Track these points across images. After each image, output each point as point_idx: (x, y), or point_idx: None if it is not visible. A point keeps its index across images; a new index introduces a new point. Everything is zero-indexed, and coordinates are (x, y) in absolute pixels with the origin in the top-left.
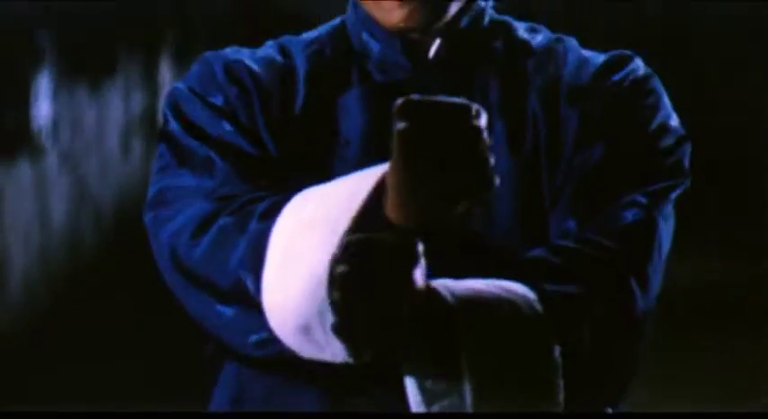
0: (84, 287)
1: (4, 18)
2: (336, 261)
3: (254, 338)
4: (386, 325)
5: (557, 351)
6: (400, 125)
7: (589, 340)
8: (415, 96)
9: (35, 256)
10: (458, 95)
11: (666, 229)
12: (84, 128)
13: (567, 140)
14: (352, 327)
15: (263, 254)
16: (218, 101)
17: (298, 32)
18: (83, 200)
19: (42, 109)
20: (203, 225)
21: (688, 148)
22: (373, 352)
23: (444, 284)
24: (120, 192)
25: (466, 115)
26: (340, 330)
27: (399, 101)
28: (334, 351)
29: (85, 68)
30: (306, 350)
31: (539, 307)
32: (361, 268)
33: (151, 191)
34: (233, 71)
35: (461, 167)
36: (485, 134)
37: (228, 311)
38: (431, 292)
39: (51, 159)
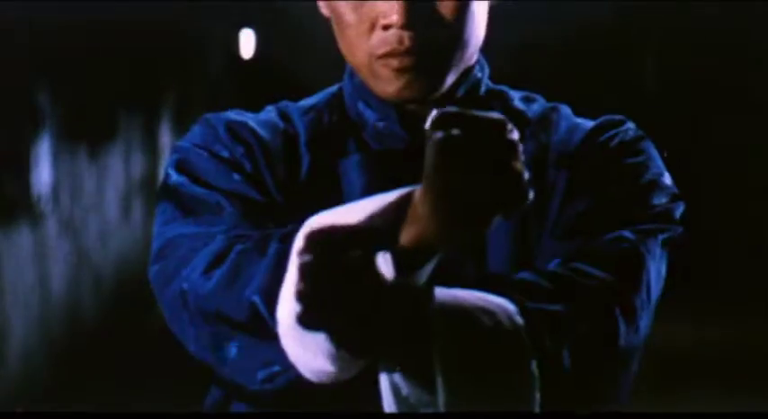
0: (84, 353)
1: (3, 81)
2: (299, 252)
3: (262, 374)
4: (349, 310)
5: (533, 364)
6: (437, 136)
7: (570, 361)
8: (451, 108)
9: (35, 322)
10: None
11: (655, 269)
12: (84, 193)
13: (553, 205)
14: (315, 315)
15: (282, 273)
16: (224, 153)
17: (296, 99)
18: (83, 266)
19: (42, 174)
20: (217, 260)
21: (681, 206)
22: (340, 342)
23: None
24: (121, 258)
25: (502, 128)
26: (301, 318)
27: (435, 113)
28: (321, 349)
29: (85, 134)
30: (303, 360)
31: (519, 320)
32: (320, 256)
33: (155, 245)
34: (236, 131)
35: (498, 178)
36: (520, 148)
37: (236, 348)
38: (412, 291)
39: (51, 225)
